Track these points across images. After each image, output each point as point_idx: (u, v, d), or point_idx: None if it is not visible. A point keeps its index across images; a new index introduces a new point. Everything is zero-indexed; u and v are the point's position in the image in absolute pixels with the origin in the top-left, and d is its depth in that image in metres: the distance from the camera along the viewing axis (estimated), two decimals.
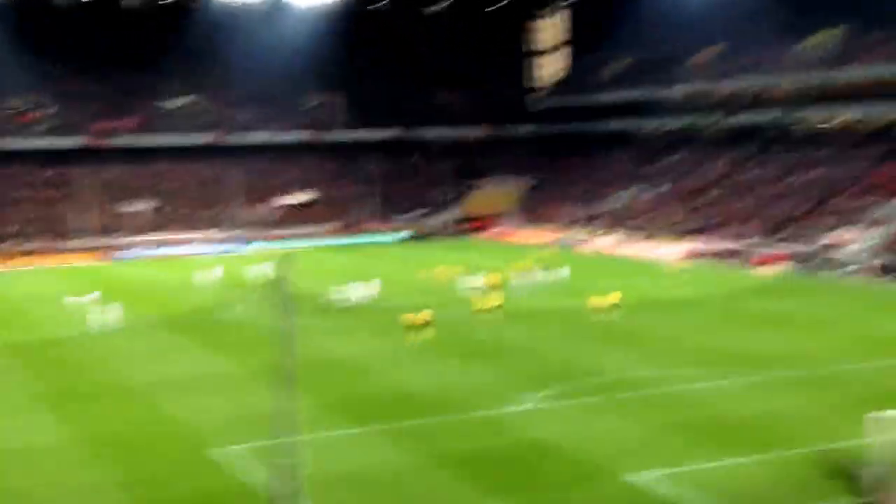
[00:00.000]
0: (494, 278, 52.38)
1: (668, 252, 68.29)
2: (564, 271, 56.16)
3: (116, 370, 36.92)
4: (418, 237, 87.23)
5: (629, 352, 37.75)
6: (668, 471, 24.08)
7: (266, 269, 59.08)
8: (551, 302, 50.06)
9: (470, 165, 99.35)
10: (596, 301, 45.23)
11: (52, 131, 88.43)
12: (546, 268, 57.47)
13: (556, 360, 36.59)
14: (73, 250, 77.10)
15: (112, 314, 45.97)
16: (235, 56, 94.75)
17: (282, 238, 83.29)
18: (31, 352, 41.05)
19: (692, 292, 52.81)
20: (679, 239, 71.03)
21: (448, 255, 71.46)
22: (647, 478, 23.65)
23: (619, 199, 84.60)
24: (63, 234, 79.41)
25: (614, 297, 44.02)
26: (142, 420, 30.12)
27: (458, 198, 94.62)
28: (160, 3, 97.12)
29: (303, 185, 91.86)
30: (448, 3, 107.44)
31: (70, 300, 49.93)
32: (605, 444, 26.60)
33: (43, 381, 35.59)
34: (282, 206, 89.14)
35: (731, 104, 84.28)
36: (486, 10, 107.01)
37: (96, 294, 49.70)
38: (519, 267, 56.08)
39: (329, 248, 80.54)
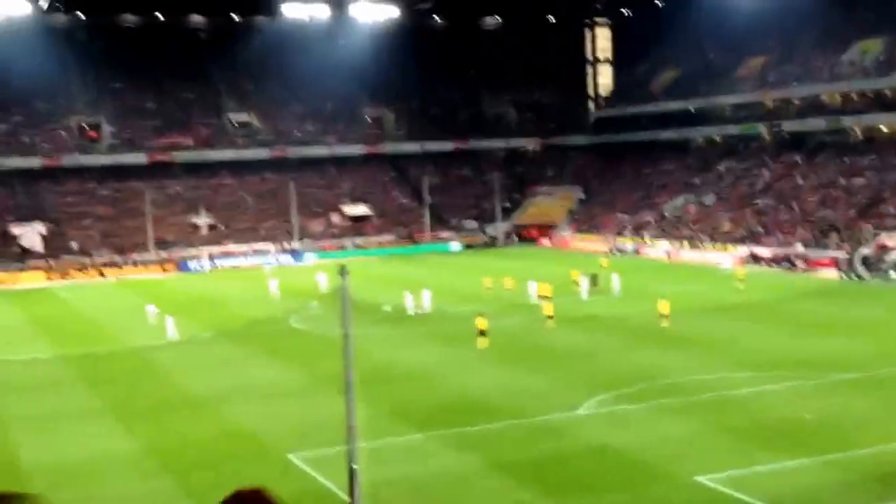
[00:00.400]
0: (550, 287, 52.85)
1: (720, 259, 68.51)
2: (619, 279, 56.46)
3: (183, 381, 37.64)
4: (473, 247, 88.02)
5: (687, 356, 37.94)
6: (730, 473, 24.22)
7: (325, 280, 60.41)
8: (608, 308, 50.51)
9: (524, 176, 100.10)
10: (654, 307, 45.54)
11: (115, 148, 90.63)
12: (600, 275, 57.83)
13: (614, 366, 36.89)
14: (135, 264, 78.96)
15: (175, 326, 46.91)
16: (293, 72, 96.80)
17: (339, 249, 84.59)
18: (98, 363, 41.94)
19: (746, 297, 52.92)
20: (730, 246, 71.16)
21: (503, 265, 72.08)
22: (710, 480, 23.81)
23: (671, 207, 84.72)
24: (125, 249, 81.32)
25: (664, 305, 44.23)
26: (210, 428, 30.58)
27: (512, 208, 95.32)
28: (225, 22, 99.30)
29: (359, 198, 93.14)
30: (503, 18, 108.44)
31: (149, 311, 51.01)
32: (667, 447, 26.78)
33: (111, 392, 36.16)
34: (339, 218, 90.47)
35: (780, 112, 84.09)
36: (540, 23, 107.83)
37: (155, 307, 50.90)
38: (575, 275, 56.50)
39: (386, 258, 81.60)
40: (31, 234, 79.31)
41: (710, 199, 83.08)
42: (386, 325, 47.83)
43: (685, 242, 75.53)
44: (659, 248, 76.16)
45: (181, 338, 46.20)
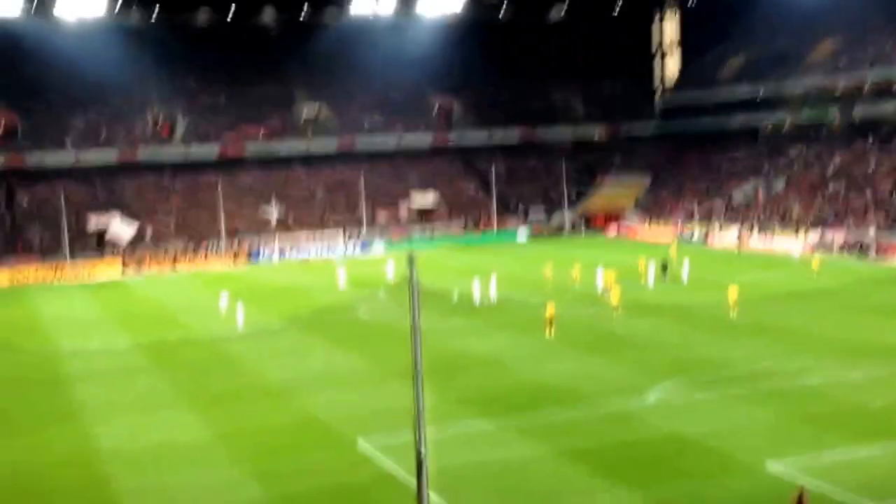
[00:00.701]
0: (614, 274, 52.73)
1: (791, 245, 67.58)
2: (688, 266, 56.10)
3: (254, 369, 38.30)
4: (541, 236, 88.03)
5: (758, 344, 37.69)
6: (803, 461, 24.11)
7: (393, 270, 61.01)
8: (676, 296, 50.25)
9: (591, 164, 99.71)
10: (723, 295, 45.21)
11: (189, 141, 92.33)
12: (670, 263, 57.49)
13: (685, 354, 36.76)
14: (207, 255, 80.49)
15: (245, 315, 47.55)
16: (362, 64, 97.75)
17: (407, 239, 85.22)
18: (172, 352, 42.85)
19: (817, 284, 52.25)
20: (800, 232, 70.15)
21: (570, 253, 72.00)
22: (783, 468, 23.69)
23: (740, 194, 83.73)
24: (197, 240, 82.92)
25: (733, 293, 43.86)
26: (281, 416, 31.07)
27: (579, 197, 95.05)
28: (295, 18, 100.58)
29: (427, 187, 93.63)
30: (569, 8, 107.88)
31: (221, 300, 51.82)
32: (738, 435, 26.66)
33: (183, 380, 36.92)
34: (406, 208, 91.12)
35: (850, 97, 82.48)
36: (607, 12, 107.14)
37: (227, 296, 51.69)
38: (642, 264, 56.26)
39: (453, 247, 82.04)
40: (119, 227, 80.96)
41: (779, 185, 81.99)
42: (454, 313, 48.10)
43: (755, 229, 74.62)
44: (728, 236, 75.36)
45: (252, 327, 46.94)
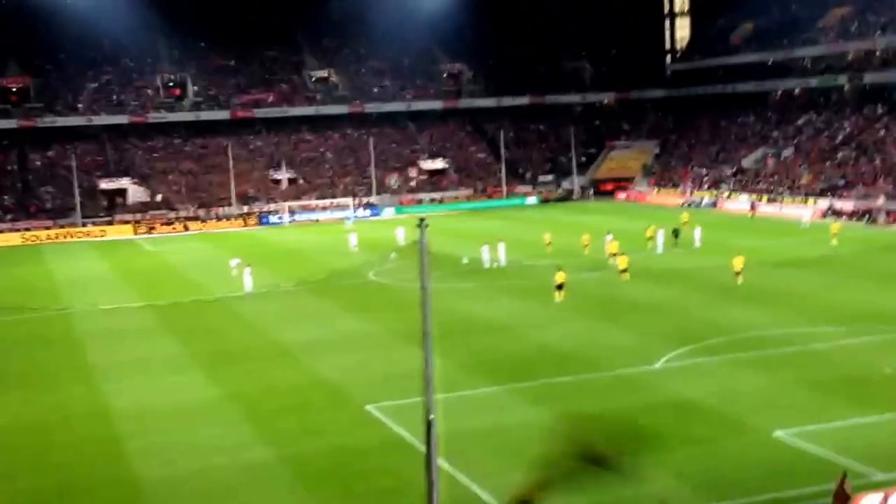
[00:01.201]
0: (616, 243, 52.88)
1: (800, 212, 67.55)
2: (697, 232, 56.19)
3: (264, 331, 38.54)
4: (549, 202, 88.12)
5: (766, 310, 37.74)
6: (809, 428, 24.21)
7: (403, 234, 61.25)
8: (685, 262, 50.33)
9: (600, 130, 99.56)
10: (729, 261, 45.31)
11: (199, 105, 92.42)
12: (681, 229, 57.49)
13: (692, 320, 36.83)
14: (218, 218, 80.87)
15: (254, 278, 47.75)
16: (372, 29, 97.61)
17: (416, 204, 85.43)
18: (183, 312, 43.26)
19: (824, 252, 52.32)
20: (809, 200, 70.12)
21: (580, 218, 72.23)
22: (789, 434, 23.81)
23: (749, 160, 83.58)
24: (208, 203, 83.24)
25: (739, 261, 43.80)
26: (291, 377, 31.34)
27: (588, 162, 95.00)
28: None
29: (436, 153, 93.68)
30: None
31: (231, 263, 52.17)
32: (745, 400, 26.75)
33: (194, 342, 37.15)
34: (416, 173, 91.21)
35: (861, 65, 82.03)
36: None
37: (239, 259, 51.98)
38: (651, 230, 56.32)
39: (462, 212, 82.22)
40: (127, 188, 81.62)
41: (789, 152, 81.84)
42: (463, 278, 48.32)
43: (764, 196, 74.59)
44: (738, 202, 75.33)
45: (262, 289, 47.21)
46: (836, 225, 57.40)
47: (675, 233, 56.11)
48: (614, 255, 48.89)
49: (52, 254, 67.58)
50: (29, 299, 48.28)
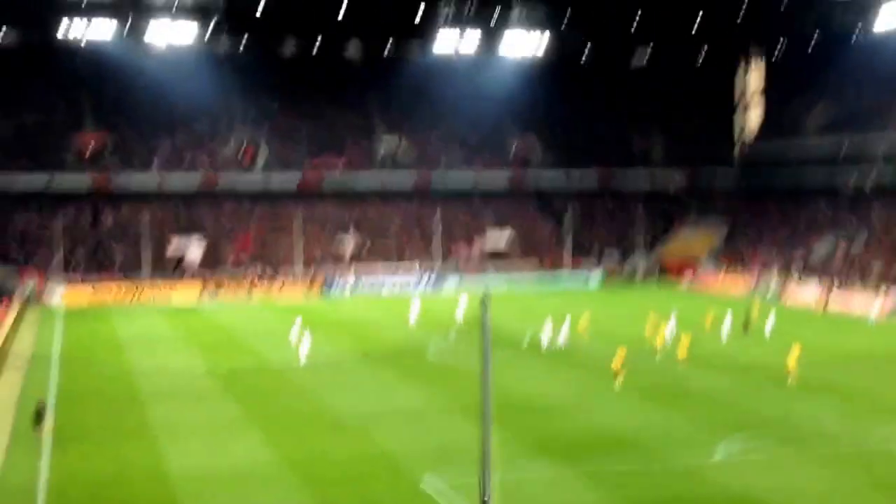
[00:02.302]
0: (684, 328, 52.31)
1: (870, 304, 66.16)
2: (766, 321, 55.20)
3: (322, 399, 38.73)
4: (613, 281, 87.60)
5: (828, 405, 37.03)
6: None
7: (464, 308, 61.21)
8: (750, 350, 49.53)
9: (668, 211, 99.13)
10: (791, 353, 44.45)
11: (270, 169, 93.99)
12: (751, 319, 56.28)
13: (754, 411, 36.26)
14: (283, 282, 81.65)
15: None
16: (442, 100, 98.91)
17: (480, 277, 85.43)
18: (241, 377, 43.53)
19: (892, 346, 51.11)
20: (880, 291, 68.63)
21: (644, 301, 71.62)
22: None
23: (819, 248, 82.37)
24: (274, 267, 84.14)
25: (796, 351, 42.66)
26: (348, 447, 31.43)
27: (654, 243, 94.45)
28: (380, 51, 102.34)
29: (502, 226, 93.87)
30: (653, 52, 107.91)
31: (293, 330, 52.36)
32: (804, 499, 26.18)
33: (252, 407, 37.44)
34: (480, 246, 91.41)
35: None
36: (691, 59, 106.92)
37: (299, 325, 52.04)
38: (715, 315, 55.53)
39: (526, 288, 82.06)
40: (190, 249, 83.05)
41: (860, 242, 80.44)
42: (523, 355, 48.20)
43: (833, 286, 73.25)
44: (805, 292, 74.07)
45: (322, 358, 47.41)
46: (885, 316, 55.86)
47: (746, 323, 54.90)
48: (688, 334, 48.17)
49: (119, 311, 68.84)
50: (94, 355, 49.12)
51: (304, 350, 47.40)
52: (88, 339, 56.05)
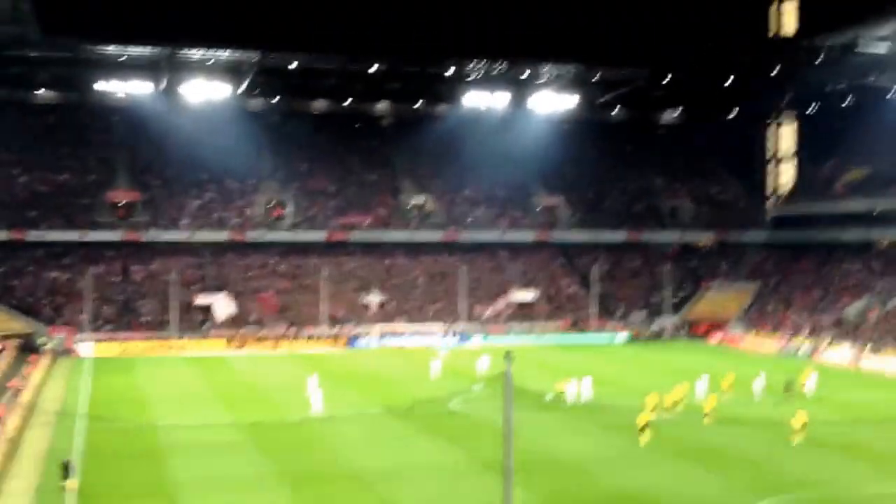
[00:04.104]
0: (721, 384, 51.52)
1: None
2: (810, 380, 54.20)
3: (345, 454, 38.49)
4: (639, 339, 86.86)
5: (857, 467, 36.46)
6: None
7: (486, 364, 60.79)
8: (779, 410, 48.61)
9: (696, 270, 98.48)
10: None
11: (297, 225, 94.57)
12: (793, 381, 54.79)
13: (780, 471, 35.73)
14: (308, 337, 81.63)
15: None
16: (470, 157, 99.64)
17: (505, 334, 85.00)
18: (265, 432, 43.29)
19: None
20: None
21: (671, 359, 70.91)
22: None
23: (852, 310, 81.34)
24: (299, 322, 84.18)
25: (801, 417, 41.02)
26: (367, 503, 31.25)
27: (682, 302, 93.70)
28: (408, 109, 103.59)
29: (527, 284, 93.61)
30: (683, 112, 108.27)
31: (309, 383, 51.88)
32: None
33: (275, 462, 37.34)
34: (506, 303, 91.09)
35: None
36: (722, 117, 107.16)
37: (315, 380, 51.00)
38: (737, 376, 54.52)
39: (550, 345, 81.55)
40: (219, 304, 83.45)
41: (893, 303, 79.39)
42: (546, 411, 47.69)
43: (867, 348, 72.14)
44: (837, 352, 72.96)
45: (344, 412, 47.16)
46: None
47: (789, 384, 53.21)
48: (717, 393, 47.31)
49: (145, 366, 68.89)
50: (119, 411, 49.07)
51: (313, 401, 47.44)
52: (115, 394, 56.06)
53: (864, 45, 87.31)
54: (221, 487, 33.44)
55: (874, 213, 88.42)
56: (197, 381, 61.67)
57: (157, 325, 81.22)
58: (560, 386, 51.36)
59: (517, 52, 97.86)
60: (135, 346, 77.03)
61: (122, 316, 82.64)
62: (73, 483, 32.29)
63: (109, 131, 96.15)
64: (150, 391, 56.98)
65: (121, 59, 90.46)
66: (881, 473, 35.51)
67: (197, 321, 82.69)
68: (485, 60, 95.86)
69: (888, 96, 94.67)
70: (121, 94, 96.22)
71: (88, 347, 75.92)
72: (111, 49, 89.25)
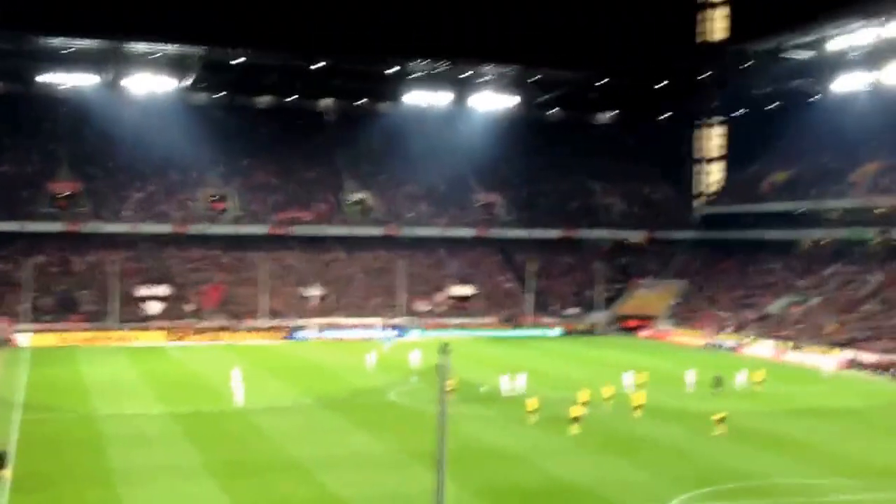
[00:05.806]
0: (643, 377, 53.51)
1: (821, 362, 68.08)
2: (740, 377, 56.27)
3: (280, 444, 39.15)
4: (573, 334, 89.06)
5: (780, 458, 37.80)
6: None
7: (418, 357, 62.32)
8: (702, 403, 50.17)
9: (627, 267, 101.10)
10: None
11: (239, 219, 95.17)
12: (721, 377, 55.67)
13: (706, 462, 36.88)
14: (247, 330, 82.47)
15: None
16: (410, 155, 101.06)
17: (442, 328, 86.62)
18: (201, 422, 43.89)
19: (844, 403, 52.55)
20: (831, 350, 70.58)
21: (602, 353, 72.96)
22: None
23: (775, 307, 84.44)
24: (239, 315, 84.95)
25: (720, 414, 42.95)
26: (304, 493, 31.81)
27: (614, 298, 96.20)
28: (350, 106, 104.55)
29: (464, 279, 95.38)
30: (617, 114, 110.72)
31: (233, 374, 52.09)
32: None
33: (210, 451, 37.79)
34: (443, 298, 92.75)
35: (890, 219, 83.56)
36: (652, 120, 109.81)
37: (238, 372, 51.53)
38: (646, 377, 55.92)
39: (486, 339, 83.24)
40: (162, 295, 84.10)
41: (814, 301, 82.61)
42: (481, 404, 48.86)
43: (787, 343, 75.12)
44: (761, 347, 75.87)
45: (280, 403, 47.97)
46: (837, 373, 56.87)
47: (718, 380, 54.43)
48: (642, 386, 48.82)
49: (85, 356, 68.96)
50: (58, 400, 49.42)
51: (236, 392, 48.28)
52: (53, 384, 56.21)
53: (789, 51, 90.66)
54: (156, 476, 33.81)
55: (797, 214, 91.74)
56: (135, 371, 61.79)
57: (98, 316, 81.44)
58: (493, 380, 52.55)
59: (460, 51, 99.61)
60: (74, 337, 77.20)
61: (62, 307, 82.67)
62: (6, 472, 32.50)
63: (53, 122, 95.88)
64: (88, 381, 57.03)
65: (66, 51, 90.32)
66: (803, 464, 36.94)
67: (137, 312, 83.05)
68: (428, 59, 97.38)
69: (811, 101, 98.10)
70: (66, 86, 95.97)
71: (27, 338, 75.94)
72: (56, 41, 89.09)
